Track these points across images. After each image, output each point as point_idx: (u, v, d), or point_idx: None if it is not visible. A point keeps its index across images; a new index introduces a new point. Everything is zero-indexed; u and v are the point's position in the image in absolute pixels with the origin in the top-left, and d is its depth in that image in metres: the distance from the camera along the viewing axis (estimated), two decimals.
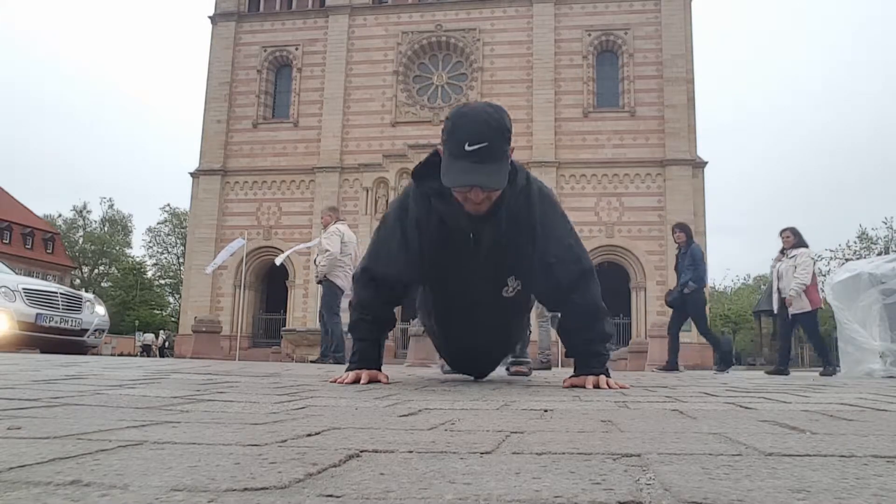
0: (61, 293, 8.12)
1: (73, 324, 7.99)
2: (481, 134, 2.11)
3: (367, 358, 2.55)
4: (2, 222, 46.30)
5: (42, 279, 12.16)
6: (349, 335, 2.67)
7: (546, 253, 2.40)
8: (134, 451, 0.83)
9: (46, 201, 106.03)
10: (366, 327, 2.57)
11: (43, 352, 7.92)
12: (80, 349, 8.26)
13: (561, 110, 27.81)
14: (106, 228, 57.77)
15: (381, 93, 29.09)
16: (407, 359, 9.88)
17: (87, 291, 11.02)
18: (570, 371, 2.65)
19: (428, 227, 2.39)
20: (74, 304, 8.14)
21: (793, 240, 8.09)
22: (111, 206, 58.60)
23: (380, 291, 2.56)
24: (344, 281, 7.63)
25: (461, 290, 2.57)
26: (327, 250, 7.65)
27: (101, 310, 8.67)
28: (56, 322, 7.74)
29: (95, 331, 8.40)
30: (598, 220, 26.48)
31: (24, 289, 7.62)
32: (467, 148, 2.10)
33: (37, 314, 7.54)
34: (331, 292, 7.80)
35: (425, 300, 2.84)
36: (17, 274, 9.19)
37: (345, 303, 7.52)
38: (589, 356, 2.51)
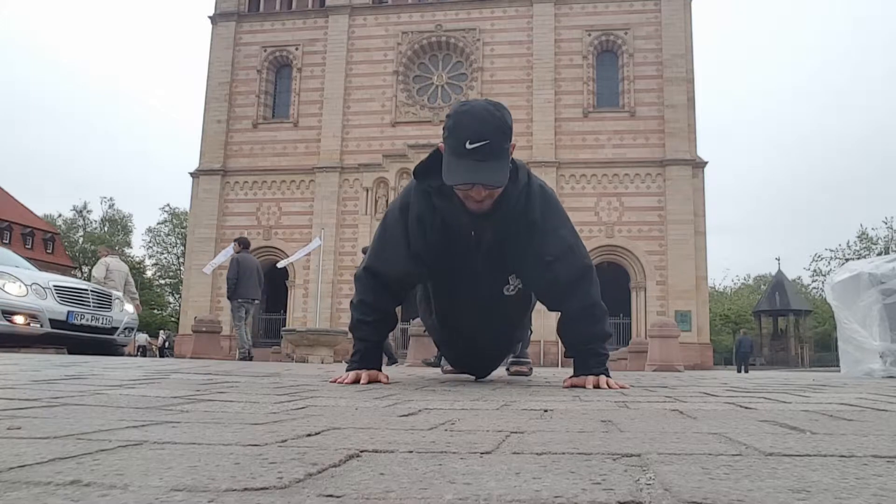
0: (91, 290, 7.90)
1: (104, 322, 7.76)
2: (482, 132, 2.11)
3: (368, 358, 2.54)
4: (2, 222, 46.32)
5: None
6: (349, 334, 2.66)
7: (545, 251, 2.40)
8: (134, 451, 0.83)
9: (46, 201, 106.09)
10: (367, 328, 2.56)
11: (71, 352, 7.68)
12: (110, 349, 8.02)
13: (561, 110, 27.80)
14: (106, 228, 57.75)
15: (381, 93, 29.09)
16: (407, 359, 9.89)
17: None
18: (569, 371, 2.65)
19: (430, 225, 2.38)
20: (104, 302, 7.93)
21: None
22: (111, 206, 58.66)
23: (384, 289, 2.54)
24: None
25: (462, 289, 2.56)
26: (94, 277, 10.08)
27: (129, 308, 8.48)
28: (87, 320, 7.51)
29: (125, 329, 8.17)
30: (598, 220, 26.48)
31: (54, 286, 7.40)
32: (468, 146, 2.10)
33: (68, 312, 7.30)
34: None
35: (426, 298, 2.83)
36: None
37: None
38: (588, 356, 2.51)
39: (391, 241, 2.49)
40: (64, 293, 7.43)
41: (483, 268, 2.46)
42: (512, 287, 2.56)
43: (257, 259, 10.79)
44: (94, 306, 7.68)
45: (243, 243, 10.69)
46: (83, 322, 7.46)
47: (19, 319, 6.96)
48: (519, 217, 2.36)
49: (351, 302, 2.66)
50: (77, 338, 7.51)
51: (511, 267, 2.52)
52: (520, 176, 2.32)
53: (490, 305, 2.61)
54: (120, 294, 8.55)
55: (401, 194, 2.55)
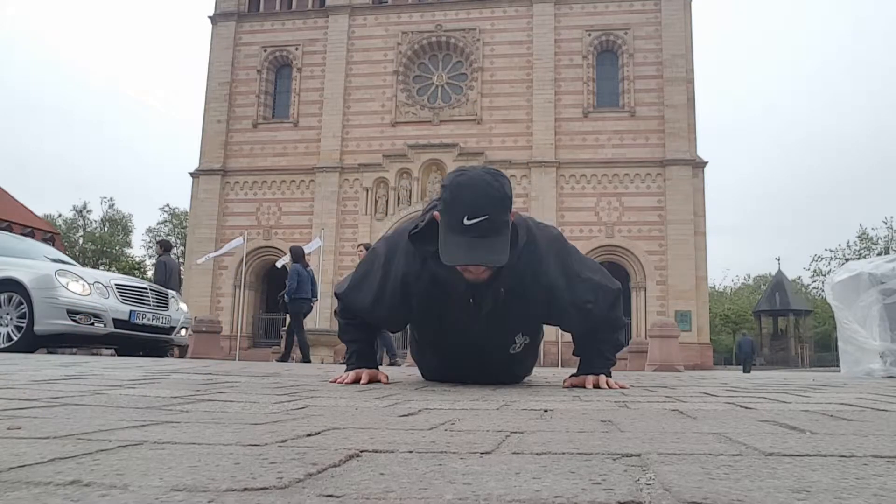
0: (150, 289, 7.70)
1: (164, 321, 7.58)
2: (481, 207, 2.01)
3: (365, 357, 2.55)
4: (2, 222, 46.28)
5: None
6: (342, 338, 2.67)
7: (581, 300, 2.35)
8: (134, 451, 0.83)
9: (46, 201, 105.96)
10: (354, 330, 2.57)
11: (119, 353, 7.55)
12: (164, 350, 7.81)
13: (561, 110, 27.78)
14: (106, 228, 57.71)
15: (381, 93, 29.07)
16: (407, 359, 9.90)
17: None
18: (569, 371, 2.65)
19: (417, 286, 2.30)
20: (163, 301, 7.78)
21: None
22: (111, 206, 58.59)
23: (360, 320, 2.55)
24: None
25: (462, 345, 2.49)
26: None
27: (184, 306, 8.35)
28: (148, 320, 7.33)
29: (182, 328, 8.03)
30: (598, 220, 26.47)
31: (116, 285, 7.21)
32: (466, 222, 2.00)
33: (130, 311, 7.12)
34: None
35: (416, 340, 2.75)
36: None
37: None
38: (594, 357, 2.54)
39: (365, 284, 2.43)
40: (125, 292, 7.24)
41: (485, 330, 2.38)
42: (518, 345, 2.51)
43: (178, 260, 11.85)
44: (154, 305, 7.53)
45: (165, 246, 11.09)
46: (144, 322, 7.28)
47: (84, 319, 6.73)
48: (524, 278, 2.28)
49: (335, 311, 2.68)
50: (139, 338, 7.34)
51: (518, 327, 2.46)
52: (519, 238, 2.21)
53: (492, 360, 2.57)
54: (174, 293, 8.39)
55: (391, 239, 2.45)
